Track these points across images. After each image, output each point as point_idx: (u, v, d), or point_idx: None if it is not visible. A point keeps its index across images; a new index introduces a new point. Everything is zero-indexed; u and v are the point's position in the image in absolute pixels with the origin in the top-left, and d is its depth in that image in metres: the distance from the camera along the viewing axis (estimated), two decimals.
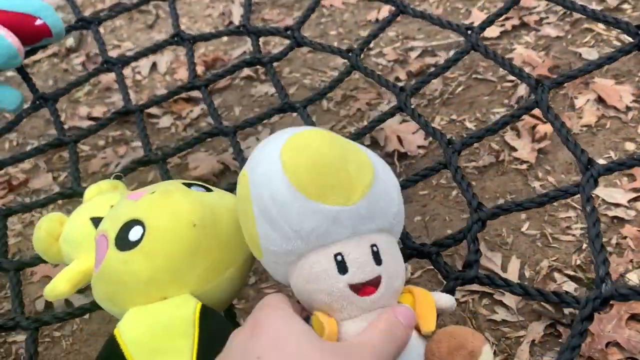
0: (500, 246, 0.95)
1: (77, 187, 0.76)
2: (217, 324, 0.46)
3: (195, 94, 1.36)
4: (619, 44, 1.26)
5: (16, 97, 0.82)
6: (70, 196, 0.76)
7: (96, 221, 0.55)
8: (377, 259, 0.42)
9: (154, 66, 1.49)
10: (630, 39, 0.65)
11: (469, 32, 0.76)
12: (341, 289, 0.41)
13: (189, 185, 0.53)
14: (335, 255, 0.41)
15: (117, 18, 1.73)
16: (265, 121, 0.97)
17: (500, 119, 0.70)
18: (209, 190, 0.54)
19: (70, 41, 1.62)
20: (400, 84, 0.82)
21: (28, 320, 0.61)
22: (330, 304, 0.41)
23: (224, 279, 0.49)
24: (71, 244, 0.56)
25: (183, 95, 1.36)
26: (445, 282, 0.55)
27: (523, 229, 0.96)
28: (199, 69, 1.44)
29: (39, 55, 1.60)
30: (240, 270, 0.51)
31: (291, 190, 0.41)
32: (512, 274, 0.90)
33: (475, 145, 1.12)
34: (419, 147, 1.14)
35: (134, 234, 0.47)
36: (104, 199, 0.60)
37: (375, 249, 0.42)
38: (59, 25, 0.81)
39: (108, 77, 1.43)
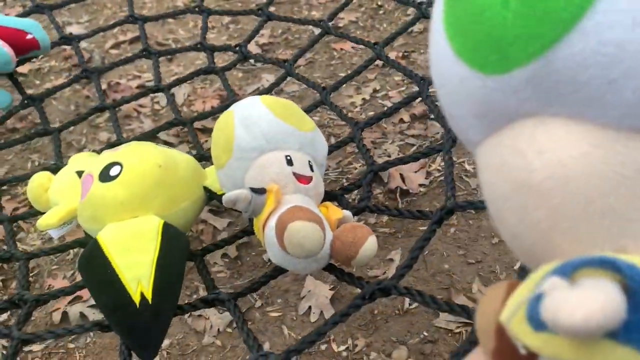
0: (493, 282, 1.01)
1: (60, 164, 0.87)
2: (175, 234, 0.60)
3: (210, 125, 1.44)
4: None
5: (6, 97, 0.99)
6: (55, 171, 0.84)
7: (80, 173, 0.69)
8: (311, 168, 0.63)
9: (172, 97, 1.57)
10: None
11: (422, 81, 0.86)
12: (288, 173, 0.60)
13: (156, 144, 0.71)
14: (286, 156, 0.61)
15: (137, 50, 1.82)
16: None
17: (394, 105, 0.89)
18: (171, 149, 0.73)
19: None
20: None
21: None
22: (277, 181, 0.59)
23: (180, 208, 0.66)
24: (58, 191, 0.70)
25: (199, 125, 1.44)
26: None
27: (516, 267, 1.02)
28: (214, 102, 1.51)
29: (61, 80, 1.68)
30: (193, 204, 0.68)
31: (265, 110, 0.62)
32: None
33: (473, 186, 1.19)
34: (420, 185, 1.21)
35: (114, 171, 0.63)
36: (87, 158, 0.76)
37: (310, 163, 0.63)
38: (45, 40, 1.00)
39: (128, 105, 1.51)
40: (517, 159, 0.24)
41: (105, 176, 0.63)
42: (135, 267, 0.56)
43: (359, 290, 1.03)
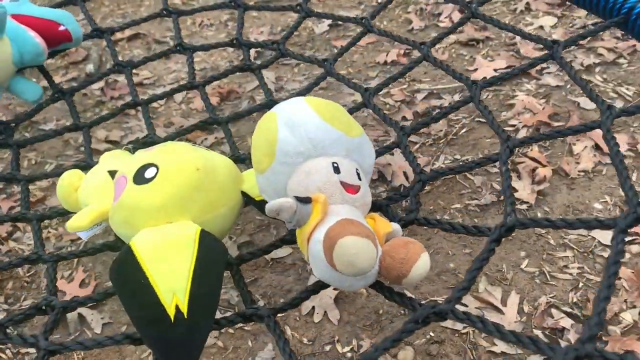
0: (500, 281, 0.99)
1: (91, 161, 0.85)
2: (213, 243, 0.56)
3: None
4: (615, 95, 1.33)
5: (37, 90, 0.96)
6: (85, 168, 0.80)
7: (112, 173, 0.66)
8: (359, 177, 0.59)
9: (205, 95, 1.55)
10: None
11: (474, 85, 0.80)
12: (335, 181, 0.56)
13: (192, 145, 0.67)
14: (333, 163, 0.57)
15: (135, 48, 1.80)
16: None
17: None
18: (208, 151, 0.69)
19: (89, 67, 1.68)
20: (407, 124, 0.89)
21: (49, 255, 0.70)
22: (323, 190, 0.55)
23: (218, 214, 0.62)
24: (89, 191, 0.66)
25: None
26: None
27: (522, 266, 1.01)
28: (214, 100, 1.49)
29: (58, 78, 1.65)
30: (231, 210, 0.64)
31: (311, 111, 0.59)
32: (511, 308, 0.93)
33: (478, 183, 1.17)
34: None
35: (149, 173, 0.59)
36: (119, 157, 0.73)
37: (358, 171, 0.59)
38: (78, 32, 0.98)
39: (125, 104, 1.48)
40: None
41: (140, 178, 0.59)
42: (171, 278, 0.52)
43: (363, 291, 1.02)
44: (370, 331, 0.94)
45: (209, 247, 0.56)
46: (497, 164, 0.70)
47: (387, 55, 1.59)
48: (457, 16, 1.69)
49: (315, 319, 0.97)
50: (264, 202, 0.59)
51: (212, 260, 0.55)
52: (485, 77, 0.84)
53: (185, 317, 0.50)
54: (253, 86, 1.55)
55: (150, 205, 0.58)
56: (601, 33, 1.50)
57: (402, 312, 0.97)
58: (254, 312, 0.57)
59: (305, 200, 0.54)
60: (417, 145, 1.30)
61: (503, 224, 0.58)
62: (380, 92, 1.48)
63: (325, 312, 0.98)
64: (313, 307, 0.99)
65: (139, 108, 1.46)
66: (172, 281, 0.52)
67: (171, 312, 0.50)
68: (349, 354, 0.92)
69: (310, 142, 0.58)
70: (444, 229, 0.65)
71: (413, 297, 0.55)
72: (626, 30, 0.73)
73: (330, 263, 0.49)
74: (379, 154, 0.80)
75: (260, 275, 1.05)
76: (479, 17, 0.89)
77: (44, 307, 0.61)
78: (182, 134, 1.00)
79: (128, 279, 0.53)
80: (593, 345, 0.43)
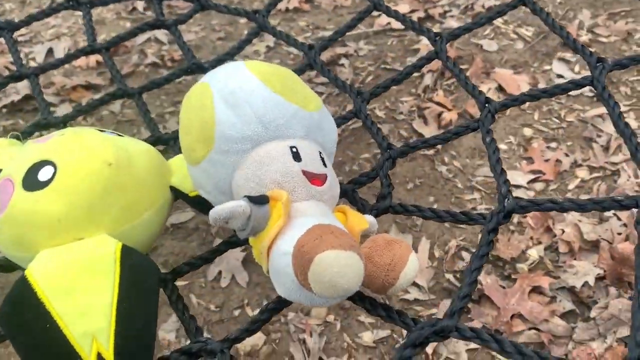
0: (410, 228, 0.97)
1: None
2: (139, 261, 0.43)
3: (96, 80, 1.28)
4: (515, 36, 1.33)
5: None
6: None
7: None
8: (323, 162, 0.47)
9: (50, 52, 1.39)
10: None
11: (438, 39, 0.70)
12: (296, 172, 0.44)
13: (101, 131, 0.51)
14: (291, 147, 0.45)
15: (6, 1, 1.61)
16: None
17: (404, 69, 0.70)
18: (121, 136, 0.53)
19: None
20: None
21: None
22: (282, 184, 0.44)
23: (141, 221, 0.48)
24: None
25: (82, 82, 1.29)
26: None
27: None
28: (99, 57, 1.35)
29: None
30: (158, 213, 0.50)
31: (258, 82, 0.46)
32: (422, 254, 0.92)
33: (385, 132, 1.14)
34: None
35: (44, 174, 0.45)
36: (3, 151, 0.55)
37: (322, 155, 0.47)
38: None
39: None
40: None
41: (32, 182, 0.44)
42: (87, 317, 0.39)
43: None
44: (417, 353, 0.88)
45: (135, 267, 0.42)
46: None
47: (288, 1, 1.50)
48: None
49: (222, 283, 0.91)
50: (200, 198, 0.48)
51: (141, 285, 0.42)
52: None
53: None
54: (143, 39, 1.42)
55: (49, 218, 0.44)
56: None
57: None
58: (202, 346, 0.44)
59: (262, 201, 0.42)
60: (324, 97, 1.24)
61: (500, 209, 0.49)
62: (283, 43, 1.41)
63: (232, 275, 0.92)
64: (219, 272, 0.93)
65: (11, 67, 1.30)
66: (88, 321, 0.39)
67: None
68: None
69: (259, 123, 0.45)
70: (425, 217, 0.54)
71: (402, 311, 0.45)
72: None
73: (304, 284, 0.38)
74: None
75: (161, 243, 0.97)
76: (267, 30, 0.79)
77: None
78: (84, 111, 0.82)
79: (26, 323, 0.40)
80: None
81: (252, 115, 0.45)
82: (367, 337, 0.83)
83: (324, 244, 0.36)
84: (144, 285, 0.42)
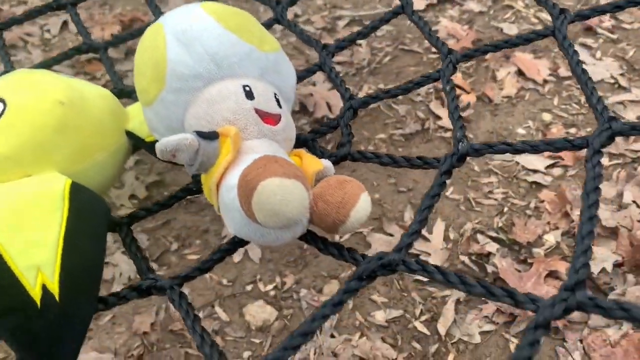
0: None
1: None
2: (89, 199, 0.44)
3: (111, 53, 1.27)
4: (536, 20, 1.31)
5: None
6: None
7: None
8: (278, 103, 0.47)
9: (64, 25, 1.38)
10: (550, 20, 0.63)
11: None
12: (248, 109, 0.45)
13: (55, 73, 0.51)
14: (244, 86, 0.45)
15: None
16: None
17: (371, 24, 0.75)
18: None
19: None
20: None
21: None
22: (233, 122, 0.44)
23: (95, 162, 0.49)
24: None
25: (97, 55, 1.28)
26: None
27: (447, 194, 0.98)
28: (115, 29, 1.35)
29: None
30: (112, 156, 0.51)
31: (211, 20, 0.46)
32: (437, 236, 0.91)
33: (402, 113, 1.12)
34: None
35: None
36: None
37: (277, 97, 0.47)
38: None
39: (12, 34, 1.31)
40: None
41: None
42: (33, 251, 0.39)
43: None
44: (294, 267, 0.89)
45: (84, 204, 0.43)
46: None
47: None
48: None
49: (235, 258, 0.91)
50: (156, 143, 0.48)
51: (90, 222, 0.42)
52: None
53: (57, 299, 0.38)
54: (166, 9, 1.40)
55: None
56: None
57: None
58: (152, 283, 0.44)
59: (211, 136, 0.43)
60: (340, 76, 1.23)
61: (454, 152, 0.50)
62: (300, 19, 1.39)
63: (245, 250, 0.92)
64: None
65: (28, 39, 1.29)
66: (34, 254, 0.39)
67: (36, 295, 0.38)
68: (272, 292, 0.86)
69: (211, 60, 0.45)
70: (382, 162, 0.55)
71: (352, 248, 0.46)
72: None
73: (249, 214, 0.38)
74: (299, 78, 0.70)
75: (173, 217, 0.97)
76: None
77: None
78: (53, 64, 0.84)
79: None
80: (583, 292, 0.36)
81: (204, 53, 0.45)
82: (380, 316, 0.82)
83: (268, 172, 0.36)
84: (92, 221, 0.42)
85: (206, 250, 0.92)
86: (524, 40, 0.60)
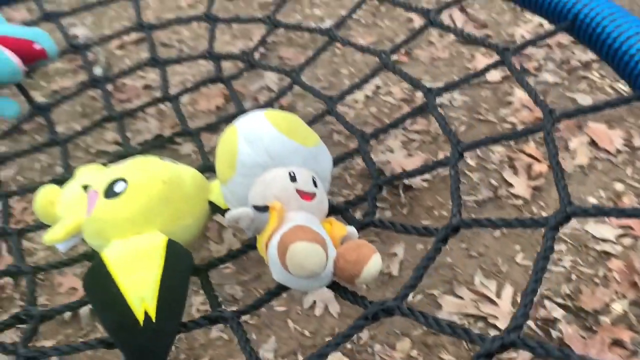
0: (495, 274, 1.02)
1: (68, 174, 0.87)
2: (179, 251, 0.60)
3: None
4: (611, 91, 1.35)
5: (14, 107, 1.00)
6: (62, 182, 0.82)
7: (86, 188, 0.69)
8: (315, 184, 0.61)
9: (177, 106, 1.59)
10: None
11: (505, 51, 0.78)
12: (291, 189, 0.59)
13: (161, 159, 0.71)
14: (290, 172, 0.60)
15: (142, 51, 1.85)
16: None
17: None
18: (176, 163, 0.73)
19: (97, 70, 1.72)
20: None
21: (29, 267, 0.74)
22: (280, 198, 0.59)
23: (185, 224, 0.65)
24: (64, 205, 0.70)
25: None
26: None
27: (517, 259, 1.04)
28: (219, 102, 1.53)
29: (67, 82, 1.70)
30: (198, 220, 0.68)
31: (269, 124, 0.62)
32: (505, 300, 0.97)
33: (475, 179, 1.20)
34: (423, 180, 1.23)
35: (119, 187, 0.63)
36: (93, 172, 0.76)
37: (314, 179, 0.62)
38: (53, 49, 1.00)
39: (133, 105, 1.53)
40: None
41: (110, 192, 0.63)
42: (140, 286, 0.56)
43: (362, 286, 1.06)
44: (369, 324, 0.98)
45: (176, 255, 0.59)
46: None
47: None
48: (457, 16, 1.71)
49: (317, 312, 1.01)
50: None
51: (179, 268, 0.59)
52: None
53: (153, 320, 0.55)
54: (257, 87, 1.58)
55: (119, 219, 0.62)
56: None
57: None
58: (219, 315, 0.61)
59: (263, 209, 0.58)
60: (417, 144, 1.33)
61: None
62: (381, 91, 1.52)
63: (326, 305, 1.02)
64: (314, 302, 1.03)
65: (146, 110, 1.50)
66: (141, 289, 0.56)
67: (140, 318, 0.55)
68: (349, 345, 0.95)
69: (267, 154, 0.61)
70: (396, 230, 0.68)
71: (364, 296, 0.58)
72: (573, 35, 0.72)
73: (284, 266, 0.52)
74: (339, 159, 0.85)
75: (264, 271, 1.09)
76: (436, 25, 0.86)
77: (23, 317, 0.64)
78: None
79: (100, 288, 0.57)
80: (517, 334, 0.46)
81: (263, 149, 0.61)
82: None
83: (296, 237, 0.50)
84: (181, 267, 0.59)
85: (291, 304, 1.03)
86: (519, 135, 0.73)
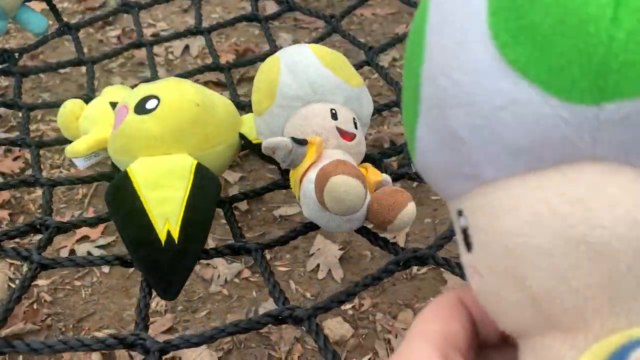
0: None
1: (93, 95, 0.85)
2: (208, 176, 0.58)
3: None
4: None
5: (42, 22, 0.96)
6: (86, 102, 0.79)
7: (114, 105, 0.67)
8: (355, 125, 0.60)
9: (186, 48, 1.55)
10: None
11: None
12: (331, 127, 0.58)
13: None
14: (331, 109, 0.59)
15: None
16: None
17: None
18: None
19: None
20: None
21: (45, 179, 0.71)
22: (319, 134, 0.57)
23: (215, 150, 0.63)
24: (90, 120, 0.68)
25: (214, 79, 1.43)
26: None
27: None
28: (230, 57, 1.49)
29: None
30: (228, 148, 0.65)
31: (314, 57, 0.61)
32: None
33: None
34: None
35: (151, 104, 0.60)
36: (121, 90, 0.75)
37: (355, 120, 0.61)
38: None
39: (141, 53, 1.48)
40: (575, 209, 0.19)
41: (141, 108, 0.60)
42: (165, 204, 0.54)
43: (367, 253, 1.05)
44: (372, 291, 0.97)
45: (204, 179, 0.57)
46: None
47: (406, 27, 1.58)
48: None
49: (319, 275, 1.00)
50: (260, 146, 0.60)
51: (206, 192, 0.57)
52: None
53: (176, 242, 0.53)
54: (268, 49, 1.55)
55: (149, 135, 0.59)
56: None
57: (405, 276, 0.99)
58: (243, 245, 0.58)
59: (301, 142, 0.56)
60: None
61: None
62: (398, 62, 1.49)
63: (329, 270, 1.00)
64: (318, 265, 1.01)
65: (155, 58, 1.46)
66: (165, 207, 0.54)
67: (162, 237, 0.53)
68: (350, 311, 0.94)
69: (310, 87, 0.59)
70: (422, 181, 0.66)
71: (396, 242, 0.56)
72: None
73: (320, 201, 0.50)
74: (379, 109, 0.82)
75: (268, 231, 1.07)
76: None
77: (38, 226, 0.62)
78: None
79: (123, 202, 0.55)
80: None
81: (306, 81, 0.59)
82: None
83: (338, 170, 0.48)
84: (208, 191, 0.58)
85: (294, 265, 1.01)
86: None
